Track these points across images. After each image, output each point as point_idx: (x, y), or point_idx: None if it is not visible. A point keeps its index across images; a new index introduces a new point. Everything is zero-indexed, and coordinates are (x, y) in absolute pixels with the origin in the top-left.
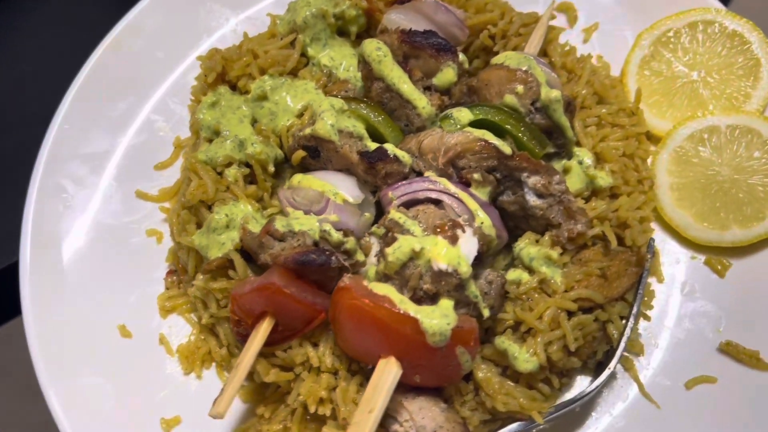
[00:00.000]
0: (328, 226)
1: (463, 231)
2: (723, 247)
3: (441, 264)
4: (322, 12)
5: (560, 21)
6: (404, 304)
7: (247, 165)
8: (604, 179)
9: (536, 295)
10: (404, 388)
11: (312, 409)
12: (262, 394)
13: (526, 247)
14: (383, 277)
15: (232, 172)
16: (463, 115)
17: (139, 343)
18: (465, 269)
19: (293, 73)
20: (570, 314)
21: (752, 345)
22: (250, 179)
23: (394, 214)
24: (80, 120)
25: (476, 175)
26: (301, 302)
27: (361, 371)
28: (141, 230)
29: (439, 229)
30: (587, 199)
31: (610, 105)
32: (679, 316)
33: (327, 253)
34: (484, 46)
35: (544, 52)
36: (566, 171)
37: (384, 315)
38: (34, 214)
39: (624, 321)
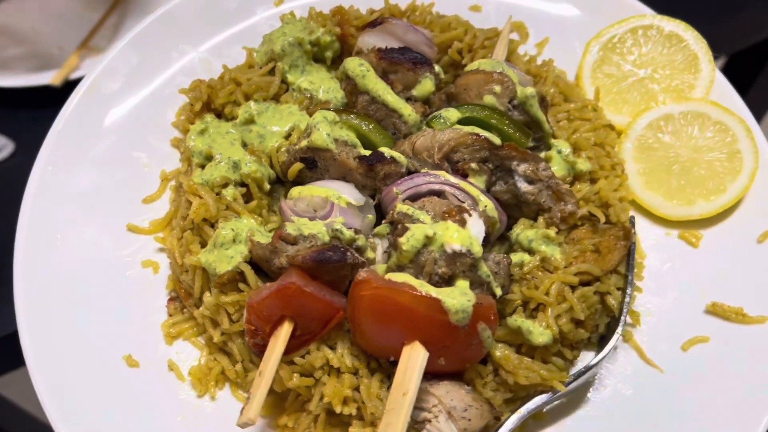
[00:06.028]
0: (339, 225)
1: (470, 215)
2: (692, 220)
3: (455, 245)
4: (298, 40)
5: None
6: (424, 287)
7: (243, 185)
8: (583, 164)
9: (540, 273)
10: (426, 376)
11: (338, 410)
12: (280, 407)
13: (523, 231)
14: (396, 269)
15: (230, 192)
16: (451, 114)
17: (147, 371)
18: (477, 249)
19: (275, 99)
20: (572, 288)
21: (735, 303)
22: (246, 199)
23: (402, 206)
24: (63, 161)
25: (473, 165)
26: (321, 300)
27: (381, 369)
28: (136, 263)
29: (447, 215)
30: (570, 185)
31: (575, 102)
32: (663, 287)
33: (342, 249)
34: (453, 61)
35: (507, 62)
36: (547, 160)
37: (406, 299)
38: (23, 263)
39: (621, 291)
